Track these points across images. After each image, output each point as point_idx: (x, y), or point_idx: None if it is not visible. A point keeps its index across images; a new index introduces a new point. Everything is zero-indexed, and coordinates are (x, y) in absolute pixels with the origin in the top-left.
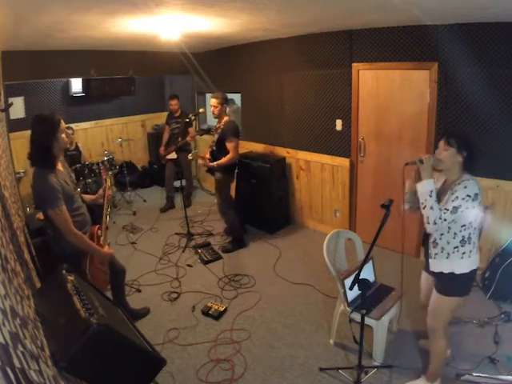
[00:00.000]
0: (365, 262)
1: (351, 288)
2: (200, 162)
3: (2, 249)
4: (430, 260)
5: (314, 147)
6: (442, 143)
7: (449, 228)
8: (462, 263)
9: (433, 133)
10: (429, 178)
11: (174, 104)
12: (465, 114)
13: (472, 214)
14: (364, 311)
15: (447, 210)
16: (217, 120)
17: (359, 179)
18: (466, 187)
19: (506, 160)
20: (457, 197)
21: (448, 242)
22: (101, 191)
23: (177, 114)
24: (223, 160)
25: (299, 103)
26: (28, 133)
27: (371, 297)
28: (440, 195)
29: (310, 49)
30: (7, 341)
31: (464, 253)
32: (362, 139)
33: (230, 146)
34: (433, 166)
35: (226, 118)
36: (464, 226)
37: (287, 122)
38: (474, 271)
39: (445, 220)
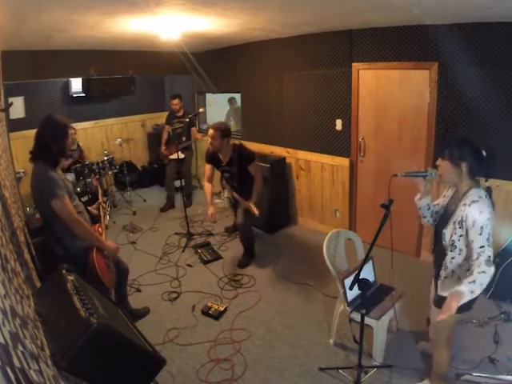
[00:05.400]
0: (365, 261)
1: (351, 288)
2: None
3: (2, 248)
4: (438, 282)
5: (314, 147)
6: (440, 158)
7: (460, 250)
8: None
9: (433, 132)
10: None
11: (175, 104)
12: (465, 114)
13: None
14: (364, 311)
15: (483, 247)
16: (219, 153)
17: (359, 179)
18: (481, 212)
19: (506, 160)
20: (481, 227)
21: (459, 265)
22: (95, 205)
23: (179, 114)
24: (258, 188)
25: (299, 103)
26: (28, 132)
27: (371, 296)
28: (449, 207)
29: (310, 49)
30: (7, 341)
31: None
32: (362, 139)
33: (254, 169)
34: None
35: (230, 148)
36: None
37: (287, 121)
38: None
39: (489, 256)
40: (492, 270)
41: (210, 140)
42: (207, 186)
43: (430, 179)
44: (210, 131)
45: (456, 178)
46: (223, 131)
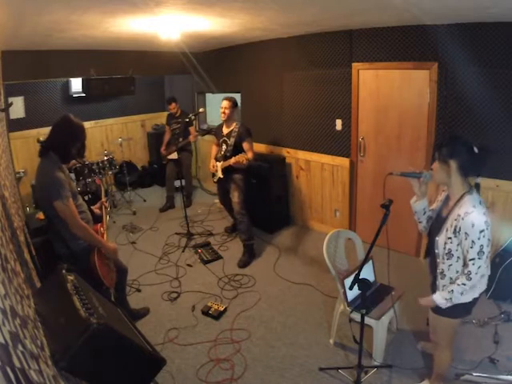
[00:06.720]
0: (365, 261)
1: (351, 288)
2: (234, 161)
3: (2, 248)
4: (437, 292)
5: (314, 147)
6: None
7: (458, 258)
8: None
9: (433, 132)
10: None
11: (172, 108)
12: (464, 114)
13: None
14: (364, 311)
15: (473, 259)
16: (223, 124)
17: (359, 179)
18: (473, 225)
19: (505, 160)
20: (472, 241)
21: (457, 271)
22: (98, 205)
23: (177, 115)
24: (252, 156)
25: (299, 103)
26: (28, 132)
27: (371, 296)
28: (441, 213)
29: (310, 49)
30: (7, 341)
31: None
32: (362, 139)
33: (248, 146)
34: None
35: (235, 122)
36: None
37: (287, 121)
38: (476, 299)
39: (479, 268)
40: (470, 284)
41: (223, 109)
42: (213, 148)
43: (425, 181)
44: (224, 102)
45: (446, 176)
46: (234, 102)
